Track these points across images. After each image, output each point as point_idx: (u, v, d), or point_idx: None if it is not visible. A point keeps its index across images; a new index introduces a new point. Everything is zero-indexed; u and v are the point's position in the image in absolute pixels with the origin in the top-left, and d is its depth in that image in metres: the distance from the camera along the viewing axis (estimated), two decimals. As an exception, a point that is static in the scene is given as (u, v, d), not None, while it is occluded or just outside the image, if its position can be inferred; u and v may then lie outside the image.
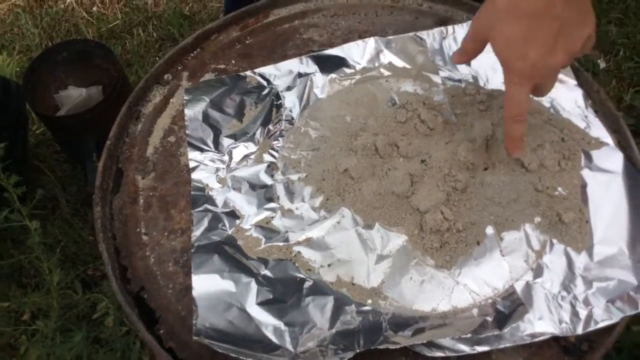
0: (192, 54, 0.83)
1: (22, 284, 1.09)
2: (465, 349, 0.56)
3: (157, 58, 1.68)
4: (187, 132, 0.73)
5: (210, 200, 0.68)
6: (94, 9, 1.81)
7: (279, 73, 0.78)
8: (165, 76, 0.80)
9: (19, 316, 1.04)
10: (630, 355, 0.89)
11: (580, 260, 0.61)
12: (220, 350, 0.55)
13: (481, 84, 0.75)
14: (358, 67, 0.78)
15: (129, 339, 0.91)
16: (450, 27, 0.80)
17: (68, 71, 1.35)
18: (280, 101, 0.76)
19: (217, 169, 0.70)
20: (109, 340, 0.92)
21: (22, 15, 1.72)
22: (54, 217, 1.21)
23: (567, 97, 0.73)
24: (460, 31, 0.79)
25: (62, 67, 1.34)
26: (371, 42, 0.79)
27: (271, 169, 0.70)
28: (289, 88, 0.77)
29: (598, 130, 0.71)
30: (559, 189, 0.66)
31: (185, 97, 0.77)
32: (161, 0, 1.84)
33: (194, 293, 0.60)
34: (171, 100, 0.78)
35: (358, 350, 0.56)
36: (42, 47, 1.65)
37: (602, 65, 1.42)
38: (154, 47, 1.71)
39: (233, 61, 0.82)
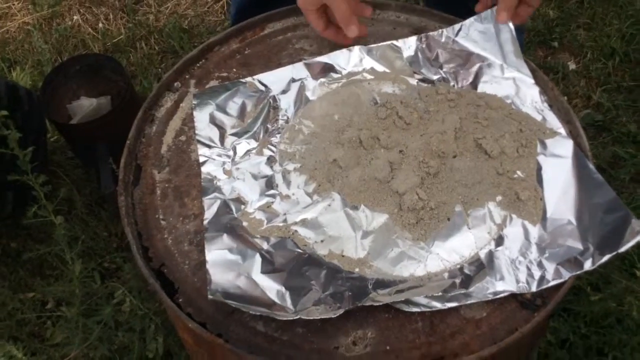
0: (198, 64, 0.93)
1: (45, 275, 1.19)
2: (438, 305, 0.66)
3: (160, 69, 1.78)
4: (196, 131, 0.83)
5: (219, 189, 0.77)
6: (99, 25, 1.91)
7: (275, 79, 0.88)
8: (175, 84, 0.90)
9: (43, 306, 1.14)
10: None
11: (535, 231, 0.71)
12: (233, 305, 0.64)
13: (451, 84, 0.86)
14: (344, 72, 0.88)
15: (144, 321, 1.01)
16: (423, 36, 0.91)
17: (80, 83, 1.44)
18: (276, 103, 0.86)
19: (224, 163, 0.80)
20: (126, 323, 1.02)
21: (33, 33, 1.82)
22: (71, 217, 1.31)
23: (525, 94, 0.84)
24: (433, 38, 0.90)
25: (74, 79, 1.42)
26: (355, 50, 0.89)
27: (270, 161, 0.80)
28: (284, 92, 0.87)
29: (552, 121, 0.81)
30: (518, 172, 0.76)
31: (194, 102, 0.86)
32: (162, 16, 1.95)
33: (208, 266, 0.69)
34: (181, 104, 0.88)
35: (347, 308, 0.65)
36: (52, 62, 1.75)
37: (572, 66, 1.53)
38: (157, 59, 1.81)
39: (234, 70, 0.92)
